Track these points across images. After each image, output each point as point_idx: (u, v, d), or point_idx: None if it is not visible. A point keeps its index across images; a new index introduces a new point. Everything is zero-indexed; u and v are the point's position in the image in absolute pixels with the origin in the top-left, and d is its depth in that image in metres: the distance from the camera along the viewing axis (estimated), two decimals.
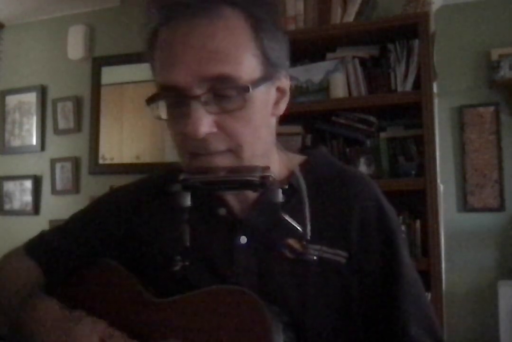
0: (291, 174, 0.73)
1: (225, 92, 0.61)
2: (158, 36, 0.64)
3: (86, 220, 0.82)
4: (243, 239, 0.70)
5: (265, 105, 0.66)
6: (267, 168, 0.64)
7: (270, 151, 0.72)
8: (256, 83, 0.62)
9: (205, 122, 0.60)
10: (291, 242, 0.69)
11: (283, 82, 0.68)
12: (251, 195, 0.71)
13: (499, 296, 2.23)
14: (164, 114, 0.65)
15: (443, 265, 1.84)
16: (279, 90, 0.68)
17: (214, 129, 0.61)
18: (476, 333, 2.46)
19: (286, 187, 0.68)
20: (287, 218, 0.67)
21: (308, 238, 0.68)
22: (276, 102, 0.69)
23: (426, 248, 1.82)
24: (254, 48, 0.62)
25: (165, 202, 0.76)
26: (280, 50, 0.66)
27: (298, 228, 0.67)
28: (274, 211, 0.67)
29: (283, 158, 0.76)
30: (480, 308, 2.45)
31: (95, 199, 0.88)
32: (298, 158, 0.78)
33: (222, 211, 0.72)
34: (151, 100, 0.64)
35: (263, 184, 0.62)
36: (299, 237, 0.68)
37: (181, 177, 0.65)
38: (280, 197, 0.64)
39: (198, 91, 0.60)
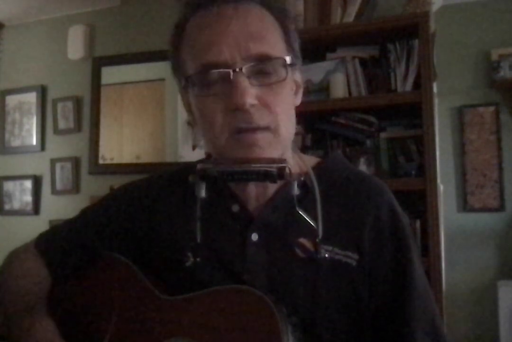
0: (305, 174, 0.74)
1: (266, 68, 0.65)
2: (187, 25, 0.68)
3: (99, 214, 0.83)
4: (255, 236, 0.70)
5: (292, 90, 0.71)
6: (283, 160, 0.65)
7: (288, 148, 0.73)
8: (289, 63, 0.67)
9: (250, 93, 0.63)
10: (303, 241, 0.69)
11: (298, 76, 0.73)
12: (268, 191, 0.71)
13: (499, 296, 2.23)
14: (200, 93, 0.66)
15: (443, 265, 1.84)
16: (295, 82, 0.72)
17: (256, 102, 0.64)
18: (476, 333, 2.46)
19: (302, 178, 0.69)
20: (302, 212, 0.67)
21: (320, 237, 0.69)
22: (295, 93, 0.73)
23: (426, 248, 1.82)
24: (282, 35, 0.68)
25: (179, 197, 0.77)
26: (298, 45, 0.71)
27: (312, 223, 0.68)
28: (288, 208, 0.68)
29: (296, 159, 0.77)
30: (480, 308, 2.45)
31: (108, 194, 0.88)
32: (312, 160, 0.79)
33: (235, 208, 0.73)
34: (190, 80, 0.66)
35: (281, 175, 0.63)
36: (312, 236, 0.69)
37: (198, 167, 0.66)
38: (295, 189, 0.65)
39: (240, 64, 0.63)
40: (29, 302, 0.76)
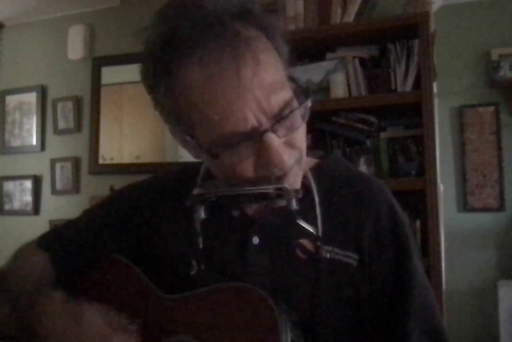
0: (303, 176, 0.73)
1: (288, 114, 0.60)
2: (179, 70, 0.60)
3: (100, 215, 0.82)
4: (256, 239, 0.70)
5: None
6: (280, 178, 0.62)
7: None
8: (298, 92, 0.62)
9: (285, 151, 0.60)
10: (304, 242, 0.69)
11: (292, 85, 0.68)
12: None
13: (499, 296, 2.23)
14: (232, 157, 0.60)
15: (443, 265, 1.84)
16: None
17: (288, 150, 0.61)
18: (476, 333, 2.46)
19: (300, 195, 0.66)
20: (302, 223, 0.67)
21: (320, 239, 0.69)
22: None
23: (426, 248, 1.82)
24: (279, 60, 0.63)
25: (180, 201, 0.75)
26: (287, 57, 0.66)
27: (312, 231, 0.68)
28: (288, 210, 0.67)
29: None
30: (480, 308, 2.45)
31: (110, 195, 0.88)
32: (310, 161, 0.78)
33: (235, 212, 0.72)
34: (203, 148, 0.61)
35: (279, 195, 0.62)
36: (312, 237, 0.69)
37: (195, 191, 0.65)
38: (294, 205, 0.63)
39: (267, 124, 0.58)
40: (34, 292, 0.75)
